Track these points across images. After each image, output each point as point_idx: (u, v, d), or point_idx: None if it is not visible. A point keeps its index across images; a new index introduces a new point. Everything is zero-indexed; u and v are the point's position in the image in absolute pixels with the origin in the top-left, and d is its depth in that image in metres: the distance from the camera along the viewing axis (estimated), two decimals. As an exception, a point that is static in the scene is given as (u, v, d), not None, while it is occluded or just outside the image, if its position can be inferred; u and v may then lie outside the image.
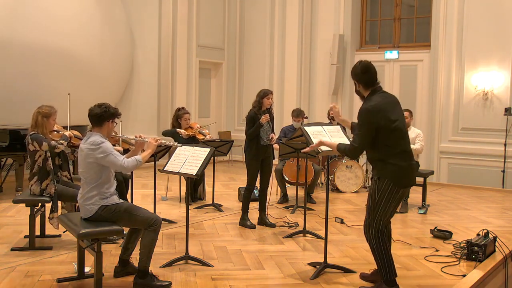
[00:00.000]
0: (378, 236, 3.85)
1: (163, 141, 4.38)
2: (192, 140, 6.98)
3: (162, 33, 10.72)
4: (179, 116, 7.21)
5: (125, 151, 5.70)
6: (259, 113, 5.84)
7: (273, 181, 6.37)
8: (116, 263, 4.26)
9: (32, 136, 4.88)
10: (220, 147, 6.87)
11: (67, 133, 5.16)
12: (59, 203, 5.11)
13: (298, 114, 7.54)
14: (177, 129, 7.07)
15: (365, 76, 3.88)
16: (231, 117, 12.19)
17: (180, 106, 8.02)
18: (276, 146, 6.38)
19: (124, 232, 4.02)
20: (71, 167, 5.80)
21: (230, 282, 4.13)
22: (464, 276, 4.36)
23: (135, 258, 4.34)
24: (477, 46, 9.08)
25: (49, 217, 4.88)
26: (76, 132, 5.56)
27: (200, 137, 7.15)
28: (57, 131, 5.18)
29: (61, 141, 5.01)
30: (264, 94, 5.87)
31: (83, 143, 4.01)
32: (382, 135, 3.75)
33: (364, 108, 3.82)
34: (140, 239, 4.11)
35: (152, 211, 4.72)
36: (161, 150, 6.15)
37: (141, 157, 4.09)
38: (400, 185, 3.81)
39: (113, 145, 5.16)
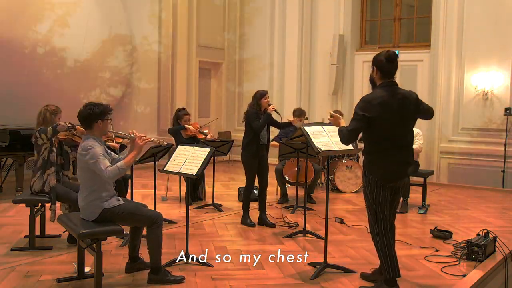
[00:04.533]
0: (382, 232, 3.86)
1: (152, 139, 4.09)
2: (192, 140, 6.99)
3: (162, 33, 10.72)
4: (179, 116, 7.24)
5: (122, 147, 5.68)
6: (260, 113, 5.84)
7: (274, 181, 6.39)
8: (116, 263, 4.26)
9: (40, 130, 4.91)
10: (220, 147, 6.87)
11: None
12: (59, 204, 5.11)
13: (300, 113, 7.52)
14: (186, 125, 7.10)
15: (387, 65, 3.83)
16: (231, 117, 12.19)
17: (180, 106, 8.02)
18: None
19: (124, 232, 4.02)
20: (71, 167, 5.80)
21: (230, 282, 4.13)
22: (464, 276, 4.36)
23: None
24: (477, 46, 9.08)
25: (50, 208, 4.88)
26: (80, 129, 5.51)
27: (200, 136, 7.16)
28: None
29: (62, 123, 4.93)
30: (261, 95, 5.86)
31: (80, 146, 3.98)
32: (373, 128, 3.76)
33: (363, 97, 3.84)
34: (146, 234, 4.10)
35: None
36: (161, 150, 6.16)
37: (123, 162, 3.87)
38: (386, 181, 3.82)
39: (106, 141, 5.10)
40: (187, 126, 7.10)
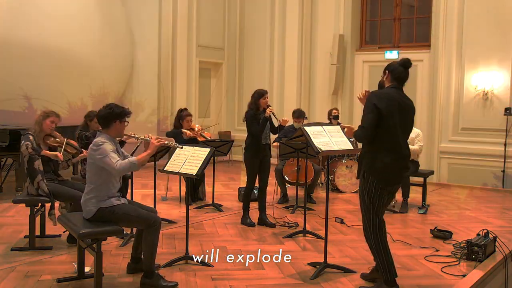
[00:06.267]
0: (377, 233, 3.86)
1: (166, 142, 4.22)
2: (192, 142, 6.98)
3: (162, 33, 10.71)
4: (181, 117, 7.22)
5: (122, 143, 5.68)
6: (257, 113, 5.83)
7: (274, 181, 6.39)
8: (116, 263, 4.26)
9: (24, 137, 4.88)
10: (220, 147, 6.87)
11: (45, 153, 4.93)
12: (58, 203, 5.11)
13: (299, 115, 7.51)
14: (183, 130, 7.07)
15: (400, 69, 3.87)
16: (231, 117, 12.19)
17: (180, 106, 8.00)
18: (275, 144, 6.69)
19: (125, 232, 4.02)
20: (70, 167, 5.76)
21: (230, 282, 4.13)
22: (464, 276, 4.37)
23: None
24: (477, 46, 9.08)
25: (48, 213, 4.88)
26: (72, 142, 5.43)
27: (201, 139, 7.14)
28: (54, 137, 5.11)
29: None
30: (260, 95, 5.82)
31: (92, 142, 4.01)
32: (379, 123, 3.75)
33: (373, 92, 3.84)
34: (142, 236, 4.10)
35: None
36: (161, 150, 6.15)
37: (136, 158, 3.92)
38: (384, 184, 3.82)
39: None
40: (184, 130, 7.06)
